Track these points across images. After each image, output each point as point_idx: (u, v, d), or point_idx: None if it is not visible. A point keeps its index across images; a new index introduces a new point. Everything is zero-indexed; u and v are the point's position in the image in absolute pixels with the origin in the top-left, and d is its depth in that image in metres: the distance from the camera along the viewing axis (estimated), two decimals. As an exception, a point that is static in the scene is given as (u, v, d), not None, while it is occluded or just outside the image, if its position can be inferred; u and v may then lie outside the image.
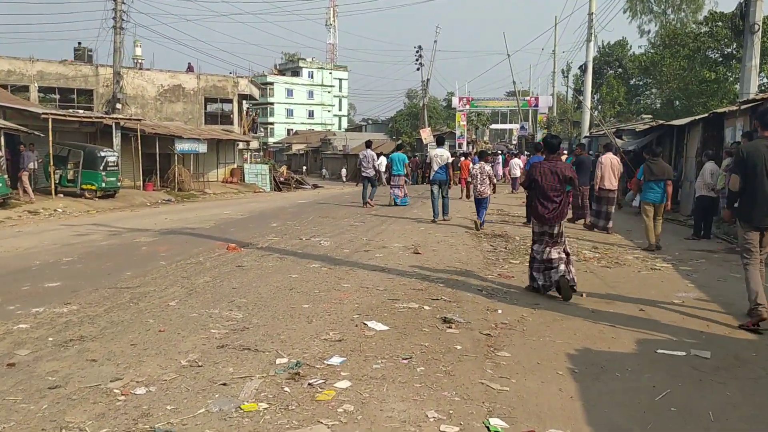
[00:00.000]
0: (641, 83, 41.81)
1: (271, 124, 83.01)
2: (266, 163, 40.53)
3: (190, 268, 7.45)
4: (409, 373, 3.97)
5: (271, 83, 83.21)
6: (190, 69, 35.56)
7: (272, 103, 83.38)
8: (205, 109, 34.56)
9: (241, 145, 36.62)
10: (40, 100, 30.26)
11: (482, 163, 11.91)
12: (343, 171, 49.33)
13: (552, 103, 44.63)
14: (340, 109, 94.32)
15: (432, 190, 12.67)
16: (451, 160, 12.88)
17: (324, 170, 56.92)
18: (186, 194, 25.90)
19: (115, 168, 20.91)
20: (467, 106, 43.78)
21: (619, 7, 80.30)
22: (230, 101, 35.02)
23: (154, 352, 4.31)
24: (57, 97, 30.82)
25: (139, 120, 24.62)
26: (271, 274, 7.07)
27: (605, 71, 42.35)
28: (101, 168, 20.17)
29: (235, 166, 34.71)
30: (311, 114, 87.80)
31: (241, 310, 5.42)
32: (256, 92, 39.99)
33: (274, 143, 78.14)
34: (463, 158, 22.80)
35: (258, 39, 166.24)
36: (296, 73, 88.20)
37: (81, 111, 23.37)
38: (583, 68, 31.37)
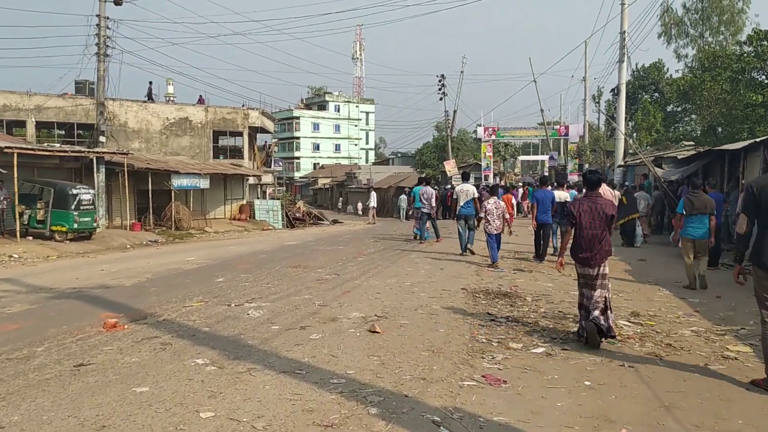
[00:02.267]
0: (680, 109, 38.77)
1: (298, 158, 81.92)
2: (278, 198, 38.31)
3: (-5, 373, 4.85)
4: None
5: (297, 117, 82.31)
6: (200, 101, 33.93)
7: (298, 138, 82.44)
8: (215, 142, 32.81)
9: (251, 180, 34.61)
10: (41, 136, 28.86)
11: (496, 198, 11.88)
12: (359, 205, 46.86)
13: (583, 132, 41.67)
14: (367, 143, 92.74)
15: (459, 227, 12.84)
16: (477, 194, 13.06)
17: (343, 204, 54.82)
18: (181, 234, 23.71)
19: (91, 207, 18.77)
20: (493, 137, 41.20)
21: (653, 24, 76.96)
22: (240, 134, 33.22)
23: None
24: (61, 132, 29.41)
25: (126, 154, 22.68)
26: (108, 385, 4.42)
27: (640, 96, 39.42)
28: (73, 207, 18.04)
29: (244, 202, 32.62)
30: (338, 148, 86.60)
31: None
32: (269, 125, 38.08)
33: (300, 177, 76.88)
34: (502, 191, 22.03)
35: (282, 74, 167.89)
36: (323, 107, 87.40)
37: (57, 145, 21.50)
38: (615, 91, 28.61)
